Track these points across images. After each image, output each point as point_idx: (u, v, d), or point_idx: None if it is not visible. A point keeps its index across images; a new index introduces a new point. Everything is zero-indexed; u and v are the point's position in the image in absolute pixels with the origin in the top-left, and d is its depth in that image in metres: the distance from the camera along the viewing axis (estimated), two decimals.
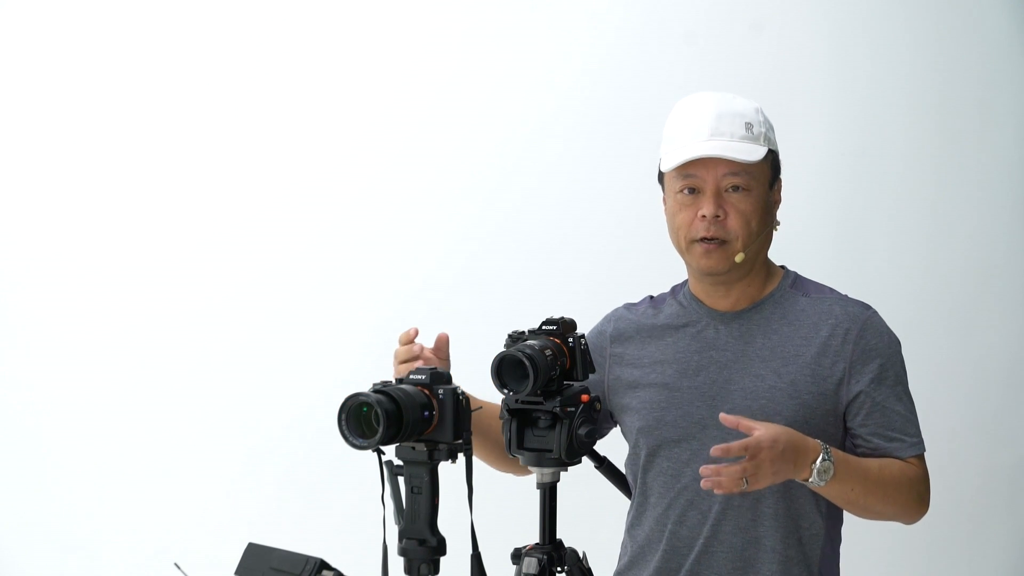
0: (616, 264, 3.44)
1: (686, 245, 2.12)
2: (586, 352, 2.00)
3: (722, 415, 1.91)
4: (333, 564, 1.81)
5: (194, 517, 3.54)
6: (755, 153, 2.07)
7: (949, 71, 3.52)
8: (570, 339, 1.99)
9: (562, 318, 2.01)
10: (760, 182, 2.10)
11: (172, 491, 3.55)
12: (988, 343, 3.53)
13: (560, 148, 3.55)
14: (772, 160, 2.14)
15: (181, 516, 3.54)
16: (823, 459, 1.92)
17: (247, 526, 3.41)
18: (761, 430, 1.87)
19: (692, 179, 2.09)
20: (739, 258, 2.08)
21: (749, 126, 2.08)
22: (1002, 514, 3.54)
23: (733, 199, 2.08)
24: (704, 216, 2.07)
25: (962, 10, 3.53)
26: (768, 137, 2.12)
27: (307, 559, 1.82)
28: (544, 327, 2.01)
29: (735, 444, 1.86)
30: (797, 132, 3.42)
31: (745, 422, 1.89)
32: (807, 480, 1.93)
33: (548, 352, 1.93)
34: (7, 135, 3.63)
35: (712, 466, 1.86)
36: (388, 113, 3.57)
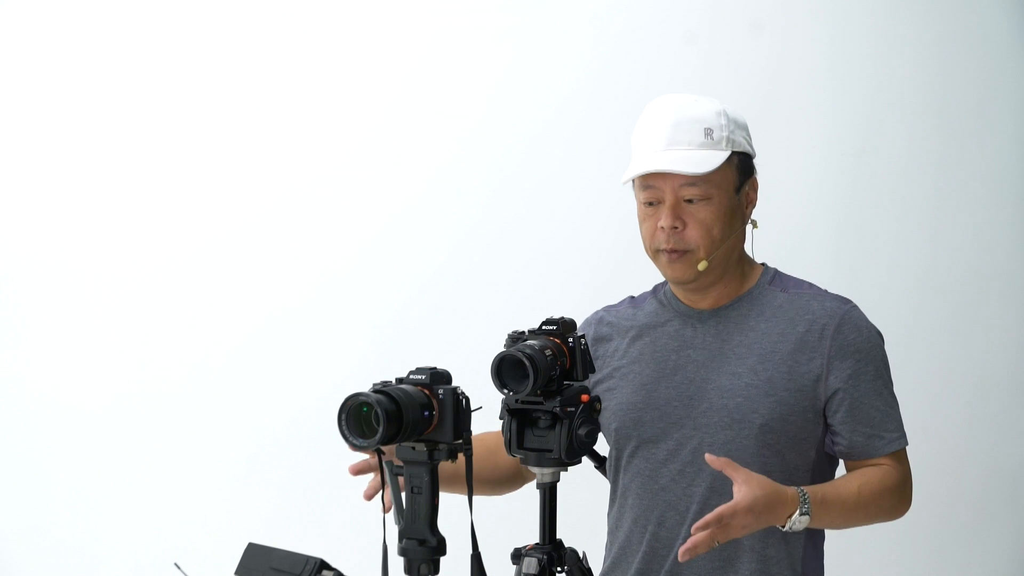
0: (617, 264, 3.42)
1: (652, 255, 2.13)
2: (586, 352, 2.00)
3: (707, 456, 1.89)
4: (333, 564, 1.81)
5: (195, 517, 3.53)
6: (711, 161, 2.04)
7: (949, 71, 3.52)
8: (570, 339, 1.98)
9: (562, 318, 2.01)
10: (722, 188, 2.07)
11: (172, 491, 3.55)
12: (989, 343, 3.53)
13: (560, 148, 3.55)
14: (739, 162, 2.10)
15: (182, 516, 3.54)
16: (800, 514, 1.91)
17: (247, 526, 3.41)
18: (743, 489, 1.85)
19: (651, 191, 2.08)
20: (702, 266, 2.07)
21: (709, 131, 2.05)
22: (1003, 515, 3.54)
23: (692, 209, 2.06)
24: (663, 228, 2.07)
25: (962, 10, 3.52)
26: (732, 139, 2.07)
27: (307, 559, 1.82)
28: (544, 327, 2.00)
29: (712, 515, 1.82)
30: (797, 132, 3.43)
31: (730, 469, 1.88)
32: (781, 527, 1.92)
33: (548, 352, 1.93)
34: (7, 135, 3.63)
35: (688, 544, 1.83)
36: (388, 114, 3.57)
